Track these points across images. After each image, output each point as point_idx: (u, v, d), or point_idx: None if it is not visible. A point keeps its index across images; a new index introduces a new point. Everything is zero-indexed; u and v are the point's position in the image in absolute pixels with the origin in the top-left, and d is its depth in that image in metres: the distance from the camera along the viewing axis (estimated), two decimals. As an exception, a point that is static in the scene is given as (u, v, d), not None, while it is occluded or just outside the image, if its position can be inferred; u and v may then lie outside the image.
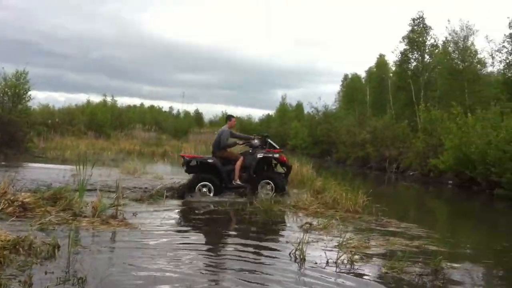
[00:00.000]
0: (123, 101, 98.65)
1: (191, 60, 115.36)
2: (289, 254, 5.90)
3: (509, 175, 16.07)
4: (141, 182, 12.04)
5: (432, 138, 23.70)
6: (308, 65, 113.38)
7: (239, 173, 10.48)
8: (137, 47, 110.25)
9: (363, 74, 43.40)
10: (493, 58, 26.00)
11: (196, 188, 10.38)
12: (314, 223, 8.03)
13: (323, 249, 6.23)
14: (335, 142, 36.33)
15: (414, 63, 31.89)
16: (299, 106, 57.55)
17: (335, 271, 5.39)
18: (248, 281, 4.84)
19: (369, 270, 5.54)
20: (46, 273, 4.56)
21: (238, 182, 10.53)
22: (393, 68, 35.31)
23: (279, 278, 5.02)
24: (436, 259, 5.69)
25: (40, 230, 6.15)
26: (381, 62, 39.15)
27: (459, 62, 28.64)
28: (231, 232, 7.51)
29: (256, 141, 10.92)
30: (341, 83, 48.27)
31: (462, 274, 5.73)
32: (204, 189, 10.42)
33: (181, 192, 10.38)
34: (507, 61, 24.79)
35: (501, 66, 25.49)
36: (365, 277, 5.28)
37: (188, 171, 10.76)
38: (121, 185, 8.61)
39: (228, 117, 11.61)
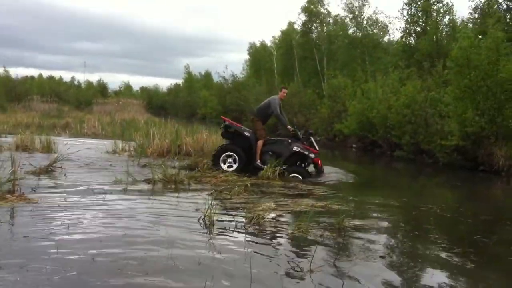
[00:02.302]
0: (18, 72, 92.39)
1: (89, 28, 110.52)
2: (198, 220, 5.81)
3: (407, 137, 17.07)
4: (39, 155, 11.36)
5: (336, 104, 24.51)
6: (210, 33, 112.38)
7: (260, 155, 10.21)
8: (32, 15, 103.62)
9: (269, 43, 43.72)
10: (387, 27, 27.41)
11: (222, 157, 10.29)
12: (224, 190, 7.98)
13: (232, 214, 6.21)
14: (245, 111, 36.49)
15: (316, 34, 32.76)
16: (208, 75, 57.05)
17: (244, 234, 5.41)
18: (157, 246, 4.75)
19: (276, 231, 5.64)
20: None
21: (259, 163, 10.18)
22: (297, 38, 35.81)
23: (188, 243, 4.95)
24: (339, 217, 5.88)
25: None
26: (289, 30, 39.42)
27: (357, 31, 29.79)
28: (137, 199, 7.22)
29: (299, 133, 10.48)
30: (247, 51, 48.28)
31: (364, 231, 5.98)
32: (230, 159, 10.31)
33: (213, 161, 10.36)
34: (405, 29, 26.04)
35: (399, 34, 26.76)
36: (272, 237, 5.36)
37: (223, 135, 10.72)
38: (17, 158, 7.98)
39: (280, 88, 11.21)
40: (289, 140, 10.34)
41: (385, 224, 6.65)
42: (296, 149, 10.09)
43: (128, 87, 75.23)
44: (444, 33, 24.11)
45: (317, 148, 10.46)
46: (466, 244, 5.73)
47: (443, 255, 5.20)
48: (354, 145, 22.14)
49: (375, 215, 7.33)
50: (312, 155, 10.11)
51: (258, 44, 45.52)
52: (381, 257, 4.90)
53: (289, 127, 10.48)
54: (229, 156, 10.30)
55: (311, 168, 10.54)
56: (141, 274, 4.00)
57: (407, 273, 4.54)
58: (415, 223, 6.96)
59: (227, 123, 10.55)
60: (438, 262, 4.95)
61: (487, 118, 14.05)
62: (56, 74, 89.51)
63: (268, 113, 10.51)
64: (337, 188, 9.38)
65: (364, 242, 5.44)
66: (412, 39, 25.52)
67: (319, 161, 10.25)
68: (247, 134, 10.32)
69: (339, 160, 17.71)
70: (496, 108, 14.01)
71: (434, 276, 4.49)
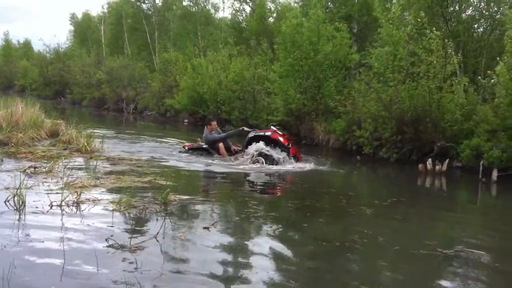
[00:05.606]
0: None
1: None
2: (5, 201, 5.12)
3: (236, 113, 17.49)
4: None
5: (168, 79, 24.17)
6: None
7: (225, 153, 10.50)
8: None
9: (96, 13, 41.60)
10: (224, 3, 27.73)
11: None
12: (39, 166, 7.25)
13: (47, 193, 5.63)
14: (69, 83, 34.24)
15: (147, 4, 31.98)
16: (27, 44, 52.32)
17: (60, 214, 4.94)
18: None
19: (97, 209, 5.28)
20: None
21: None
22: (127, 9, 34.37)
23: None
24: (164, 192, 5.68)
25: None
26: (121, 1, 37.40)
27: (191, 5, 29.66)
28: None
29: (257, 129, 11.13)
30: (70, 21, 45.32)
31: (189, 204, 5.90)
32: None
33: None
34: (234, 7, 26.74)
35: (230, 12, 27.36)
36: (91, 216, 4.98)
37: (189, 152, 11.05)
38: None
39: (207, 122, 11.37)
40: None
41: (212, 197, 6.65)
42: (250, 135, 10.63)
43: None
44: (270, 13, 25.12)
45: (279, 132, 10.81)
46: (279, 211, 6.09)
47: (260, 221, 5.40)
48: (186, 120, 22.19)
49: (202, 189, 7.30)
50: (268, 133, 10.58)
51: (81, 14, 43.11)
52: (205, 228, 4.84)
53: (243, 128, 11.28)
54: None
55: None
56: None
57: (232, 242, 4.53)
58: (241, 195, 7.07)
59: (190, 147, 11.23)
60: (254, 228, 5.15)
61: (308, 96, 14.96)
62: None
63: (214, 143, 10.71)
64: (164, 163, 9.20)
65: (188, 216, 5.37)
66: (241, 18, 26.24)
67: (276, 136, 10.49)
68: (204, 146, 10.96)
69: (171, 134, 17.53)
70: (316, 86, 14.98)
71: (253, 242, 4.57)
